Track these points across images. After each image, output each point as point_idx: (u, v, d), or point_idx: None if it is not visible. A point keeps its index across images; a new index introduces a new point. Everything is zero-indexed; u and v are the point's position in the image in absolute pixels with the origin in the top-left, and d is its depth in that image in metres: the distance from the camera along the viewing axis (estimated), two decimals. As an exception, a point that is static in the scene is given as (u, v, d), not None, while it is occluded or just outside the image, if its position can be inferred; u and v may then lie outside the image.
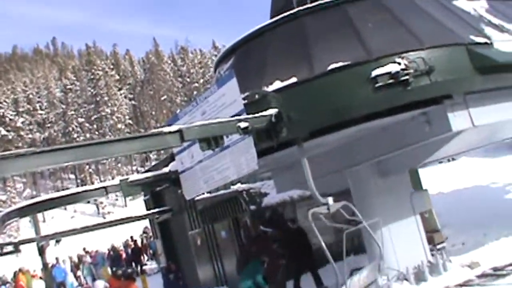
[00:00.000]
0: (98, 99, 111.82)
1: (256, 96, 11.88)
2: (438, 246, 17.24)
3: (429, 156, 15.18)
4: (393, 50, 12.23)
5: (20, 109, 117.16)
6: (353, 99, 12.00)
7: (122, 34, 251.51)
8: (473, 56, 12.82)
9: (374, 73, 11.93)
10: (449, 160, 45.79)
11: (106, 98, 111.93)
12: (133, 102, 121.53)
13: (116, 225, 25.89)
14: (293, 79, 12.14)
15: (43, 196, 15.71)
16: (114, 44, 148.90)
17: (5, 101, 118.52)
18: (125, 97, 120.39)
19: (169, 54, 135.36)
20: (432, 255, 16.01)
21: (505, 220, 19.64)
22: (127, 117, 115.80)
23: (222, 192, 22.79)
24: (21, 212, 15.22)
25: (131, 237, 42.94)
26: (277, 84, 12.20)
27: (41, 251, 21.43)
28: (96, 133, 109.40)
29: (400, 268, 15.13)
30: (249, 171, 11.79)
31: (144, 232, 45.67)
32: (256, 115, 11.10)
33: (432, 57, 12.28)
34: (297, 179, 17.41)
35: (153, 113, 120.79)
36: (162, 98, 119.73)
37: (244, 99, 11.72)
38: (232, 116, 11.26)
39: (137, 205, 75.21)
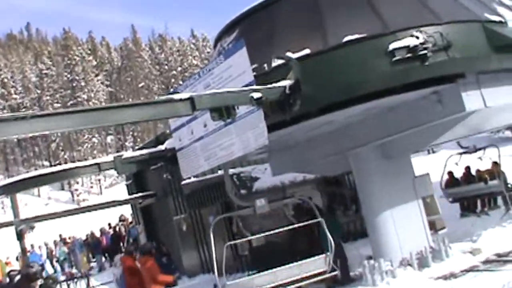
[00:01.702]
0: (74, 84, 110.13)
1: (276, 62, 11.27)
2: (440, 232, 16.81)
3: (436, 139, 14.80)
4: (410, 24, 11.77)
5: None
6: (370, 73, 11.52)
7: (97, 22, 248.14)
8: (489, 34, 12.51)
9: (392, 46, 11.49)
10: (429, 152, 46.04)
11: (82, 84, 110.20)
12: (109, 88, 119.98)
13: (98, 209, 25.32)
14: (306, 51, 11.58)
15: (33, 172, 14.99)
16: (90, 31, 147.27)
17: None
18: (102, 83, 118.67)
19: (146, 42, 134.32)
20: (434, 241, 15.58)
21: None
22: (103, 103, 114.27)
23: (210, 176, 22.18)
24: (9, 188, 14.56)
25: (109, 224, 42.02)
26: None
27: (20, 236, 20.54)
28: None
29: (403, 253, 14.77)
30: (258, 146, 11.21)
31: (120, 220, 44.71)
32: (270, 86, 10.46)
33: (449, 33, 11.87)
34: (295, 162, 16.93)
35: (130, 100, 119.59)
36: (140, 85, 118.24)
37: (254, 70, 11.11)
38: (241, 88, 10.66)
39: (113, 193, 74.42)
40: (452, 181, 23.86)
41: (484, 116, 14.18)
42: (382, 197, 15.03)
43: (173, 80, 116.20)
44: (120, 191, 72.56)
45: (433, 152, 48.18)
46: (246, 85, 10.66)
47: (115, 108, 8.77)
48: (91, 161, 14.45)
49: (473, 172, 24.08)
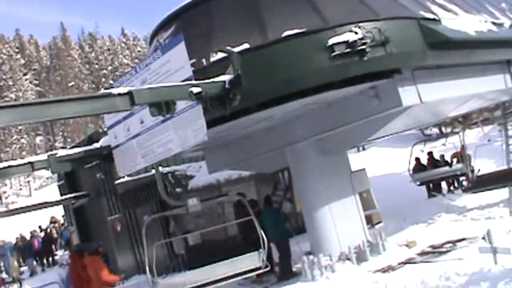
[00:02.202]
0: (1, 84, 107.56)
1: (218, 54, 11.15)
2: (376, 226, 17.02)
3: (373, 134, 15.07)
4: (349, 20, 11.85)
5: None
6: (309, 67, 11.52)
7: (25, 20, 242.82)
8: (425, 31, 12.73)
9: (331, 41, 11.54)
10: (358, 150, 47.00)
11: (10, 83, 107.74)
12: (38, 88, 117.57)
13: (29, 211, 24.58)
14: (245, 45, 11.47)
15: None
16: (17, 28, 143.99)
17: None
18: (31, 82, 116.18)
19: (76, 40, 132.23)
20: (370, 235, 15.80)
21: (420, 205, 21.33)
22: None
23: (144, 175, 21.87)
24: None
25: (40, 227, 41.07)
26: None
27: None
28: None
29: (341, 247, 14.88)
30: (197, 142, 11.03)
31: (51, 222, 43.69)
32: (209, 80, 10.31)
33: (387, 29, 12.02)
34: (231, 159, 16.85)
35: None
36: (69, 85, 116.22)
37: (192, 65, 10.95)
38: (179, 83, 10.48)
39: (43, 195, 72.85)
40: (419, 167, 25.53)
41: (419, 111, 14.46)
42: (319, 193, 15.08)
43: (103, 79, 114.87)
44: (51, 193, 71.26)
45: (364, 149, 49.26)
46: (185, 80, 10.46)
47: (53, 102, 8.46)
48: (23, 160, 14.01)
49: (437, 157, 26.33)
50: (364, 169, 16.75)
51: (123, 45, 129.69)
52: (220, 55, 11.49)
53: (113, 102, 8.92)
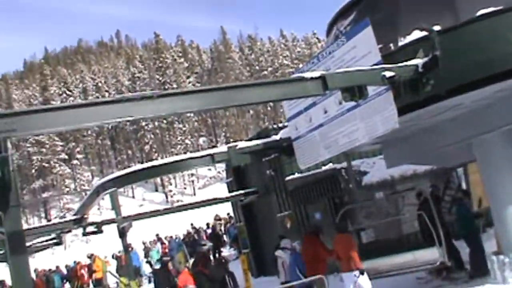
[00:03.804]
0: (166, 87, 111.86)
1: (406, 38, 10.57)
2: None
3: None
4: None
5: (89, 98, 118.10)
6: (506, 48, 10.57)
7: (185, 28, 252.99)
8: None
9: (531, 18, 10.53)
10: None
11: (174, 86, 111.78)
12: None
13: (201, 206, 25.01)
14: (436, 28, 10.75)
15: (146, 164, 14.74)
16: (178, 35, 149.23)
17: (73, 90, 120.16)
18: (193, 85, 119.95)
19: (236, 43, 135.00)
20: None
21: None
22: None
23: (316, 171, 21.62)
24: (122, 180, 14.38)
25: (207, 224, 42.09)
26: (416, 34, 10.87)
27: (122, 233, 20.50)
28: (164, 121, 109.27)
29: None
30: (386, 131, 10.56)
31: (216, 219, 44.56)
32: (401, 64, 9.77)
33: None
34: (411, 152, 16.11)
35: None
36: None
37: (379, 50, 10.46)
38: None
39: (207, 194, 74.90)
40: None
41: None
42: (510, 188, 13.99)
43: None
44: (214, 191, 73.09)
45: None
46: (373, 66, 10.04)
47: (242, 87, 8.32)
48: (204, 152, 14.10)
49: None
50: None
51: (282, 46, 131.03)
52: (411, 37, 10.87)
53: (305, 87, 8.64)
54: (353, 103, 10.57)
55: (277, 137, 14.42)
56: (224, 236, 39.64)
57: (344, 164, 21.25)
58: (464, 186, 21.68)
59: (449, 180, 22.82)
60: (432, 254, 14.52)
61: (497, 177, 14.22)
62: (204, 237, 36.45)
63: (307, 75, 8.66)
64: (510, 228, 14.05)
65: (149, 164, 14.57)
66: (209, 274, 12.15)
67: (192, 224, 42.16)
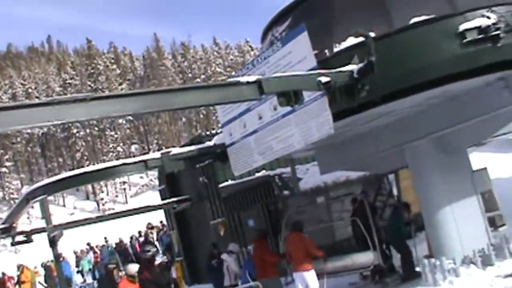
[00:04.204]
0: (99, 93, 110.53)
1: (338, 47, 10.67)
2: (500, 229, 16.04)
3: (498, 130, 14.06)
4: (480, 4, 11.06)
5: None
6: (439, 55, 10.86)
7: (118, 34, 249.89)
8: None
9: (462, 27, 10.85)
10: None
11: (106, 92, 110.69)
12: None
13: (132, 214, 24.81)
14: (372, 34, 10.87)
15: (77, 170, 14.43)
16: (111, 41, 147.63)
17: (2, 95, 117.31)
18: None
19: (169, 51, 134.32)
20: (494, 238, 14.82)
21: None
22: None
23: (249, 178, 21.57)
24: (51, 187, 14.04)
25: (139, 232, 41.56)
26: (351, 41, 10.97)
27: (53, 243, 20.00)
28: (96, 128, 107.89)
29: (464, 251, 13.96)
30: (321, 136, 10.61)
31: (148, 227, 44.08)
32: (337, 69, 9.83)
33: (522, 13, 11.14)
34: (345, 159, 16.26)
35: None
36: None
37: (316, 55, 10.51)
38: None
39: (139, 202, 74.15)
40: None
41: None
42: (441, 193, 14.24)
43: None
44: (146, 199, 72.45)
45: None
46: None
47: (177, 90, 8.21)
48: (138, 158, 13.90)
49: None
50: (485, 168, 15.80)
51: (215, 53, 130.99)
52: (346, 44, 10.97)
53: (241, 91, 8.60)
54: (288, 109, 10.59)
55: (211, 143, 14.33)
56: (157, 243, 39.20)
57: (278, 171, 21.33)
58: (395, 192, 21.94)
59: (381, 187, 23.12)
60: (367, 258, 14.73)
61: (428, 182, 14.51)
62: (137, 246, 35.88)
63: (243, 79, 8.62)
64: (440, 232, 14.35)
65: (81, 170, 14.27)
66: (154, 280, 12.02)
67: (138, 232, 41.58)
